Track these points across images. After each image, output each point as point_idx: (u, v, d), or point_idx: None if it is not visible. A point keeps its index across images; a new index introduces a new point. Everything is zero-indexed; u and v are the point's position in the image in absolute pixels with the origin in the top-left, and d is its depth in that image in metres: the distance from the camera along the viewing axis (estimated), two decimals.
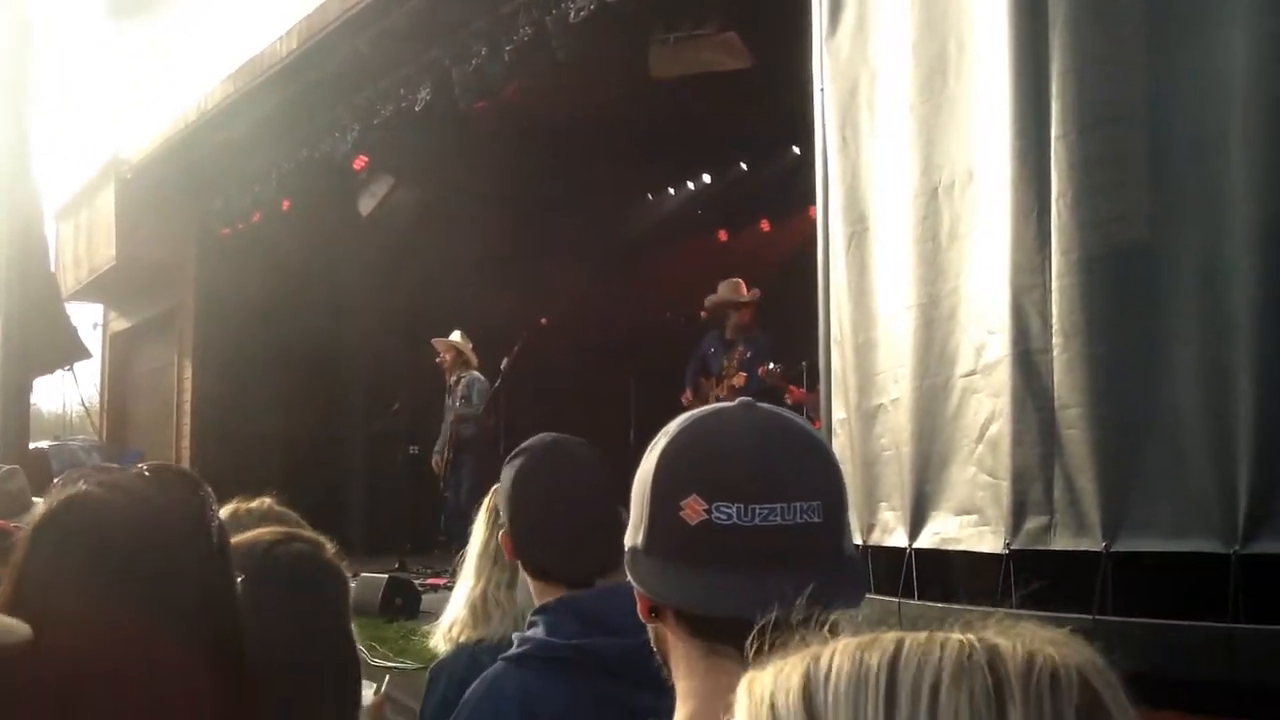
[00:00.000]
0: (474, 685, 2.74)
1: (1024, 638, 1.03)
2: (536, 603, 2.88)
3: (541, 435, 3.06)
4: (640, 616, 1.77)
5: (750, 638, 1.20)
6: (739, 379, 12.11)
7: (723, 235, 17.41)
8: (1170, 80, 5.42)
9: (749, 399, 1.80)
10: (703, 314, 12.53)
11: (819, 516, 1.68)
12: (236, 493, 3.96)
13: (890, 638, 1.04)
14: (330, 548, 2.70)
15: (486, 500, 3.77)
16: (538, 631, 2.72)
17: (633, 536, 1.78)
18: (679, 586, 1.70)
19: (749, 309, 12.30)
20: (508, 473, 2.98)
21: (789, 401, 11.88)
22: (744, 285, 12.41)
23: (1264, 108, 5.03)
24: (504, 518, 2.99)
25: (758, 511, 1.66)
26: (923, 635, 1.03)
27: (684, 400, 12.07)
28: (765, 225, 16.81)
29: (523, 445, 3.02)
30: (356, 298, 15.72)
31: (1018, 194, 5.87)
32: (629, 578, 1.77)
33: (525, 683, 2.65)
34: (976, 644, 1.01)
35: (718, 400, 11.37)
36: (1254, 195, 5.02)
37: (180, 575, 1.97)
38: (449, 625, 3.71)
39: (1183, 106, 5.37)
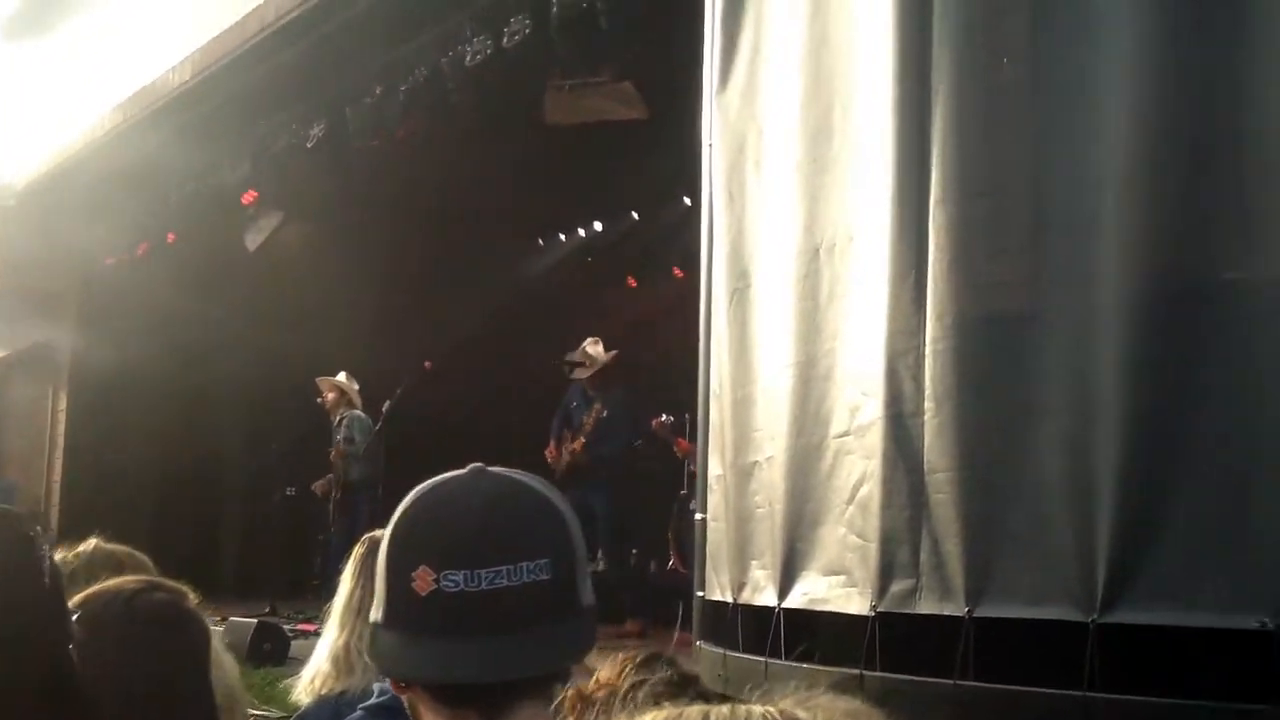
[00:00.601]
0: None
1: (821, 709, 1.03)
2: None
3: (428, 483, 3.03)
4: (392, 688, 1.82)
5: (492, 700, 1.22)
6: (578, 444, 12.14)
7: (631, 281, 17.46)
8: (1050, 153, 5.52)
9: (479, 465, 1.85)
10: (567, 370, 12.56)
11: (547, 574, 1.73)
12: (108, 528, 3.87)
13: (695, 711, 1.04)
14: (192, 597, 2.63)
15: (355, 550, 3.75)
16: None
17: (375, 612, 1.81)
18: (416, 659, 1.74)
19: (600, 371, 12.34)
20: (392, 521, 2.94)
21: (678, 454, 11.91)
22: (601, 345, 12.45)
23: (1136, 184, 5.12)
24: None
25: (484, 576, 1.71)
26: (725, 708, 1.03)
27: (548, 454, 12.07)
28: (632, 282, 16.99)
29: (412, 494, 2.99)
30: (240, 333, 15.52)
31: (896, 257, 5.93)
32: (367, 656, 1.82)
33: None
34: (777, 716, 1.01)
35: (572, 454, 11.39)
36: (1122, 270, 5.12)
37: (9, 612, 1.92)
38: (311, 677, 3.71)
39: (1061, 179, 5.47)
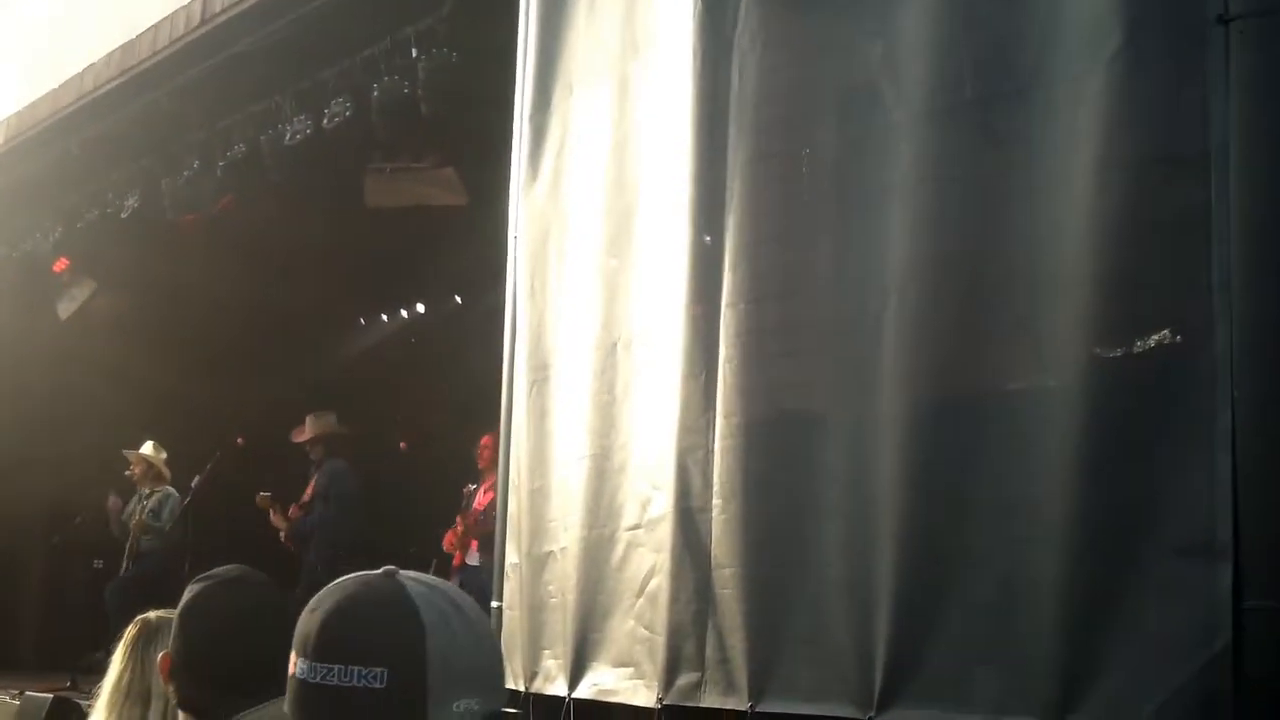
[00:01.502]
0: None
1: None
2: None
3: (231, 566, 3.04)
4: None
5: None
6: (294, 510, 12.42)
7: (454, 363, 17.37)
8: (840, 258, 5.66)
9: (392, 569, 1.91)
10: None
11: (381, 683, 1.76)
12: None
13: None
14: None
15: (128, 631, 3.69)
16: None
17: None
18: None
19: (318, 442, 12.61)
20: (186, 596, 2.93)
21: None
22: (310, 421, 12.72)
23: (915, 294, 5.28)
24: (173, 641, 2.94)
25: (319, 669, 1.79)
26: None
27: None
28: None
29: (209, 573, 3.00)
30: (45, 403, 15.17)
31: (688, 356, 6.05)
32: None
33: None
34: None
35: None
36: (898, 375, 5.26)
37: None
38: None
39: (849, 286, 5.60)
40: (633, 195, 6.70)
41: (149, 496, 13.20)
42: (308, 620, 1.86)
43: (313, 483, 12.49)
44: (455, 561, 11.67)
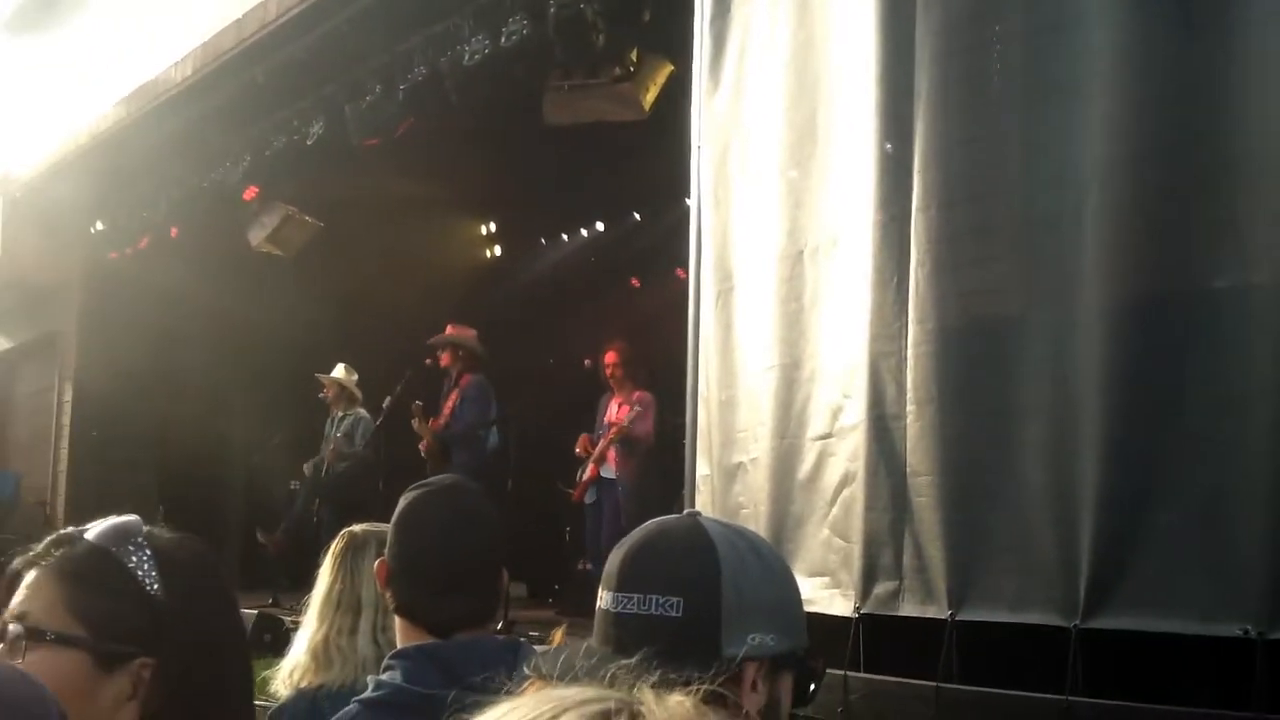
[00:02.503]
0: None
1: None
2: (399, 642, 2.91)
3: (444, 475, 3.13)
4: None
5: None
6: (433, 423, 12.59)
7: (635, 281, 17.45)
8: (1032, 158, 5.53)
9: (694, 511, 2.02)
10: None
11: (676, 611, 1.84)
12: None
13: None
14: None
15: (335, 544, 3.76)
16: (395, 676, 2.75)
17: None
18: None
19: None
20: (402, 503, 2.98)
21: (578, 452, 11.99)
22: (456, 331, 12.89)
23: (1117, 189, 5.14)
24: (389, 546, 2.98)
25: (619, 599, 1.88)
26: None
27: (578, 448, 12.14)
28: (635, 282, 17.00)
29: (424, 481, 3.05)
30: (242, 328, 15.54)
31: (878, 263, 5.97)
32: None
33: None
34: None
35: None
36: (1101, 274, 5.13)
37: None
38: (290, 670, 3.70)
39: (1043, 185, 5.48)
40: (815, 101, 6.61)
41: (342, 420, 13.46)
42: (613, 557, 1.95)
43: (452, 396, 12.60)
44: (590, 474, 11.84)
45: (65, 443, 17.31)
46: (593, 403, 12.63)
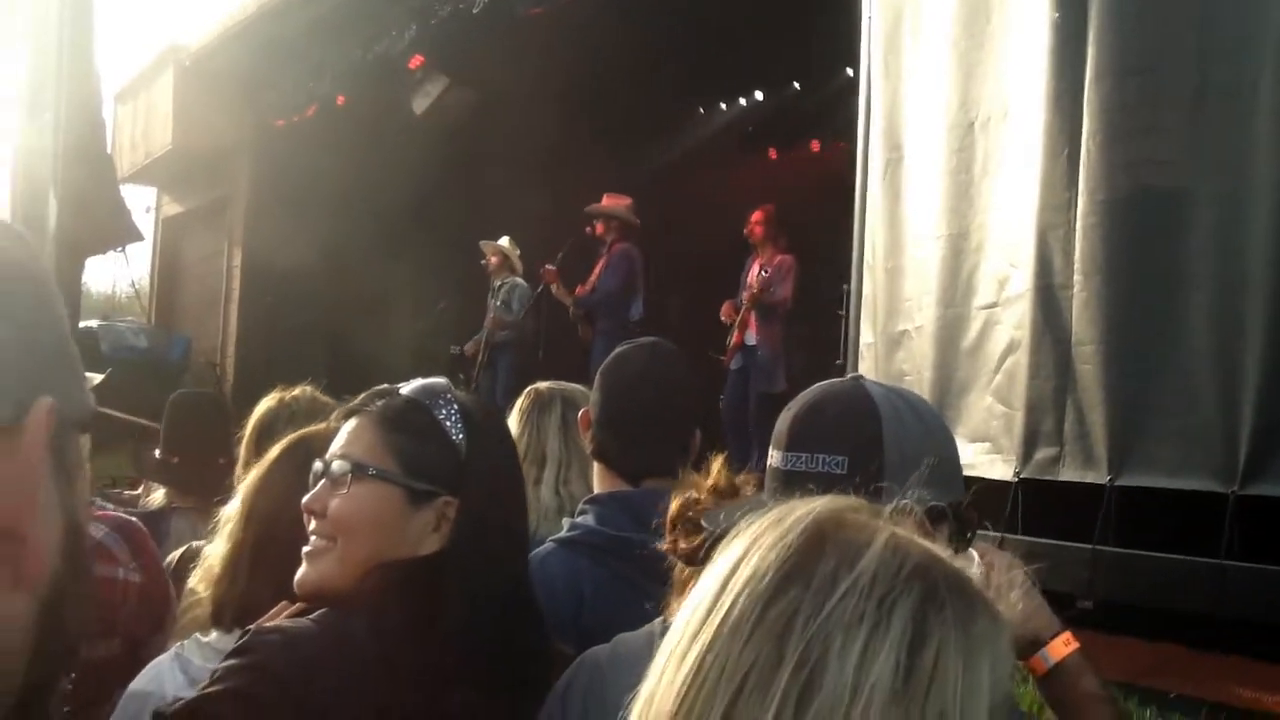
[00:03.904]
0: None
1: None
2: (595, 487, 3.13)
3: (647, 337, 3.33)
4: None
5: None
6: (580, 289, 12.83)
7: (772, 153, 17.45)
8: (1207, 29, 5.51)
9: (858, 375, 2.17)
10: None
11: (842, 469, 1.98)
12: (280, 381, 4.14)
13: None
14: None
15: (520, 401, 3.90)
16: (588, 520, 2.98)
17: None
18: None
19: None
20: (610, 357, 3.22)
21: (723, 319, 11.93)
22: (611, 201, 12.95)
23: None
24: (592, 396, 3.22)
25: (788, 458, 2.04)
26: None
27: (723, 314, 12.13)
28: (815, 146, 16.89)
29: (631, 340, 3.31)
30: (407, 195, 15.73)
31: (1050, 134, 6.00)
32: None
33: (573, 564, 2.90)
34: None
35: None
36: (1274, 147, 5.12)
37: None
38: None
39: (1216, 56, 5.47)
40: None
41: (500, 288, 13.63)
42: (782, 418, 2.10)
43: (602, 262, 12.71)
44: (735, 340, 11.74)
45: (235, 306, 17.77)
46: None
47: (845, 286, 11.82)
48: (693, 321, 13.25)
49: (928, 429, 2.09)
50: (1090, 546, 5.63)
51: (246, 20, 15.71)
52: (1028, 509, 6.02)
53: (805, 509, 1.21)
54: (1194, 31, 5.57)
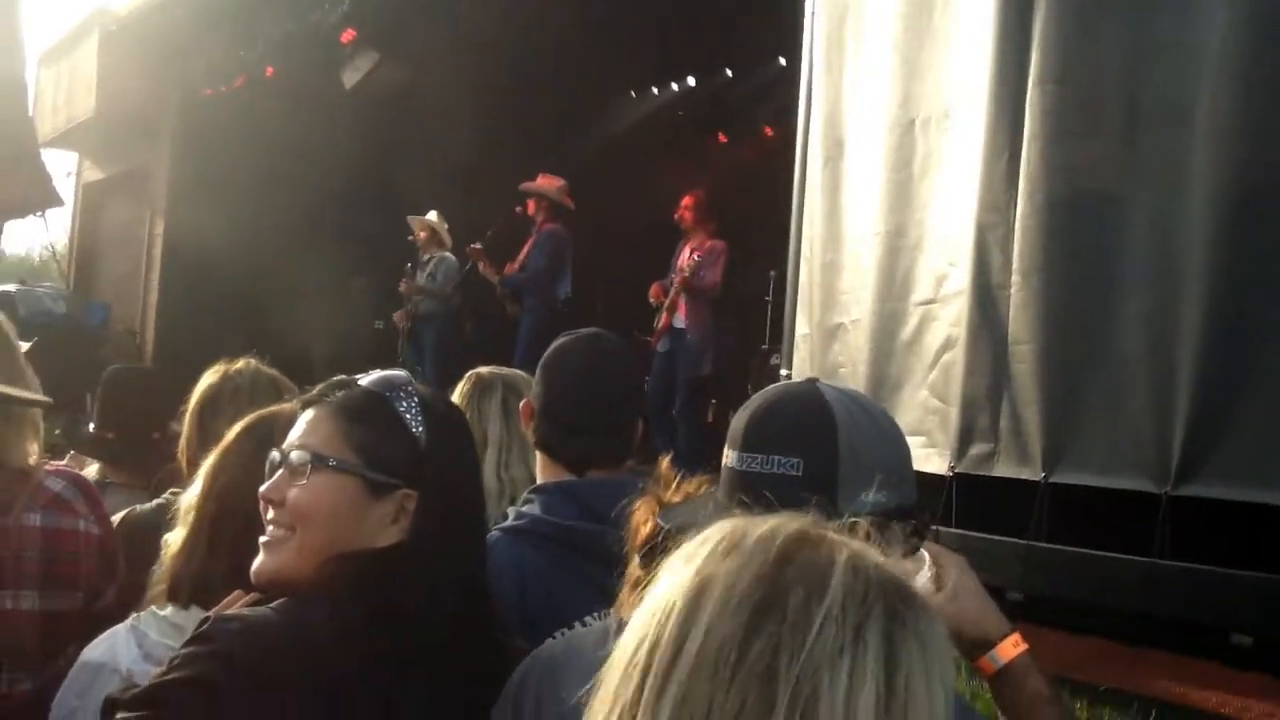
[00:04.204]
0: None
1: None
2: (539, 478, 3.12)
3: (589, 328, 3.29)
4: None
5: None
6: (509, 267, 12.84)
7: (722, 137, 17.59)
8: (1150, 44, 5.61)
9: (813, 379, 2.16)
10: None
11: (797, 471, 1.98)
12: (200, 353, 4.12)
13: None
14: None
15: (461, 386, 3.88)
16: (534, 509, 2.97)
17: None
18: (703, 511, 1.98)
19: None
20: (551, 348, 3.20)
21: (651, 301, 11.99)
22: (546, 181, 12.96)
23: (1232, 84, 5.22)
24: (534, 386, 3.19)
25: (745, 459, 2.02)
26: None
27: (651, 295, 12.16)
28: (722, 137, 17.08)
29: (571, 330, 3.26)
30: (333, 169, 15.63)
31: (991, 135, 6.09)
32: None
33: (520, 553, 2.88)
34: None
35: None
36: (1212, 164, 5.23)
37: None
38: None
39: (1159, 70, 5.57)
40: None
41: (428, 263, 13.59)
42: (738, 418, 2.09)
43: (530, 242, 12.74)
44: (664, 323, 11.66)
45: (155, 276, 17.57)
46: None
47: (772, 273, 11.92)
48: (620, 303, 13.27)
49: (882, 433, 2.10)
50: (1023, 542, 5.72)
51: None
52: (961, 503, 6.10)
53: (764, 530, 1.25)
54: (1133, 41, 5.66)
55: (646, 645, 1.20)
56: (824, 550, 1.22)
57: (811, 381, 2.12)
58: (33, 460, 3.17)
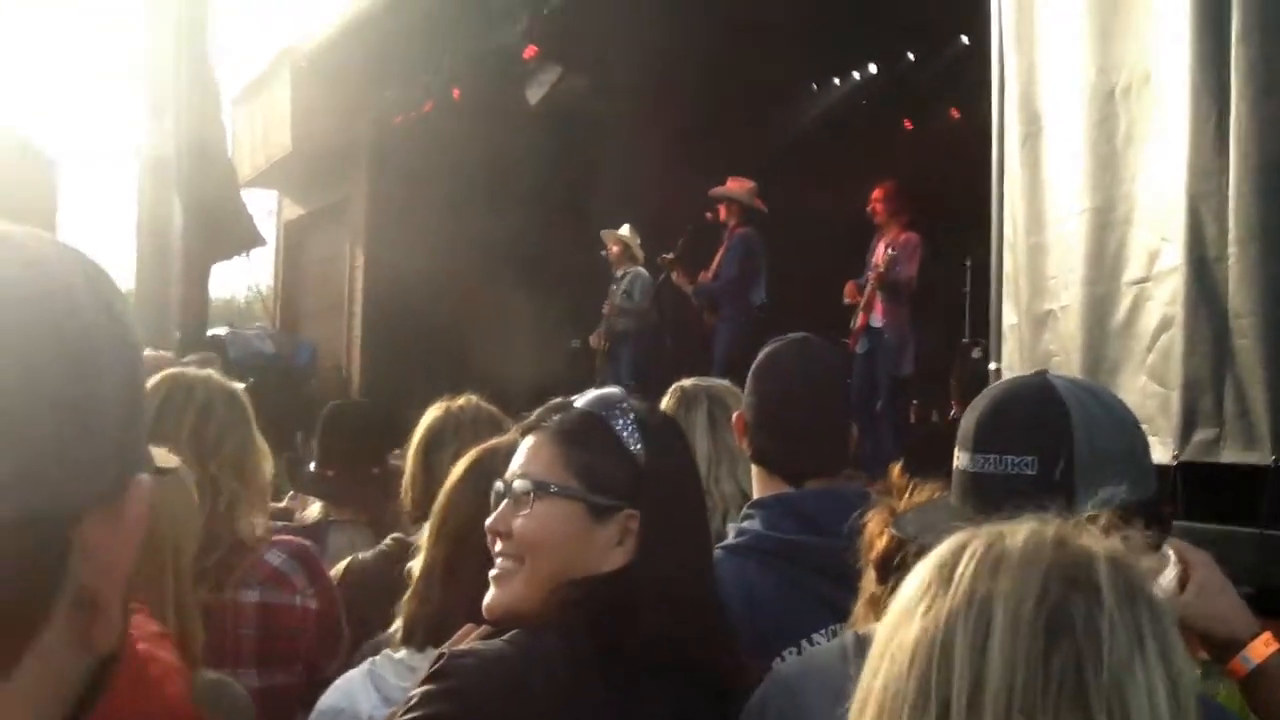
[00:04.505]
0: None
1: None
2: (755, 491, 3.08)
3: (798, 333, 3.25)
4: None
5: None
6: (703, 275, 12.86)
7: (908, 124, 17.35)
8: None
9: (1043, 371, 2.12)
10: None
11: (1031, 470, 1.94)
12: (405, 383, 4.08)
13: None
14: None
15: (665, 400, 3.83)
16: (754, 525, 2.92)
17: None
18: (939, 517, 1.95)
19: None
20: (760, 357, 3.16)
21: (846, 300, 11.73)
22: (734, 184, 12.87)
23: None
24: (745, 398, 3.16)
25: (976, 460, 2.00)
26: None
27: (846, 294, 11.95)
28: (909, 124, 16.93)
29: (779, 336, 3.23)
30: (526, 188, 15.75)
31: (1196, 97, 5.76)
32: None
33: (743, 571, 2.83)
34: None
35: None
36: None
37: None
38: None
39: None
40: None
41: (623, 279, 13.59)
42: (967, 418, 2.06)
43: (723, 248, 12.61)
44: (860, 323, 11.47)
45: (358, 309, 17.90)
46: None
47: (968, 263, 11.66)
48: (817, 304, 13.08)
49: (1118, 423, 2.04)
50: (1255, 531, 5.40)
51: (361, 17, 15.80)
52: (1189, 492, 5.79)
53: (1025, 541, 1.26)
54: None
55: (935, 675, 1.20)
56: (1084, 554, 1.24)
57: (1042, 374, 2.07)
58: (259, 533, 3.25)
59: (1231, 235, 5.59)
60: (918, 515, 2.05)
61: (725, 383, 3.90)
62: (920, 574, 1.30)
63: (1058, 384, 2.04)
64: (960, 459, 2.03)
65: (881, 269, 11.07)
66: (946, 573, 1.25)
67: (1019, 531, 1.27)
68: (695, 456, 3.70)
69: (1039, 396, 2.02)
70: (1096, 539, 1.27)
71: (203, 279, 16.15)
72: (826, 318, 12.02)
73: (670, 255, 12.79)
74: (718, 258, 12.72)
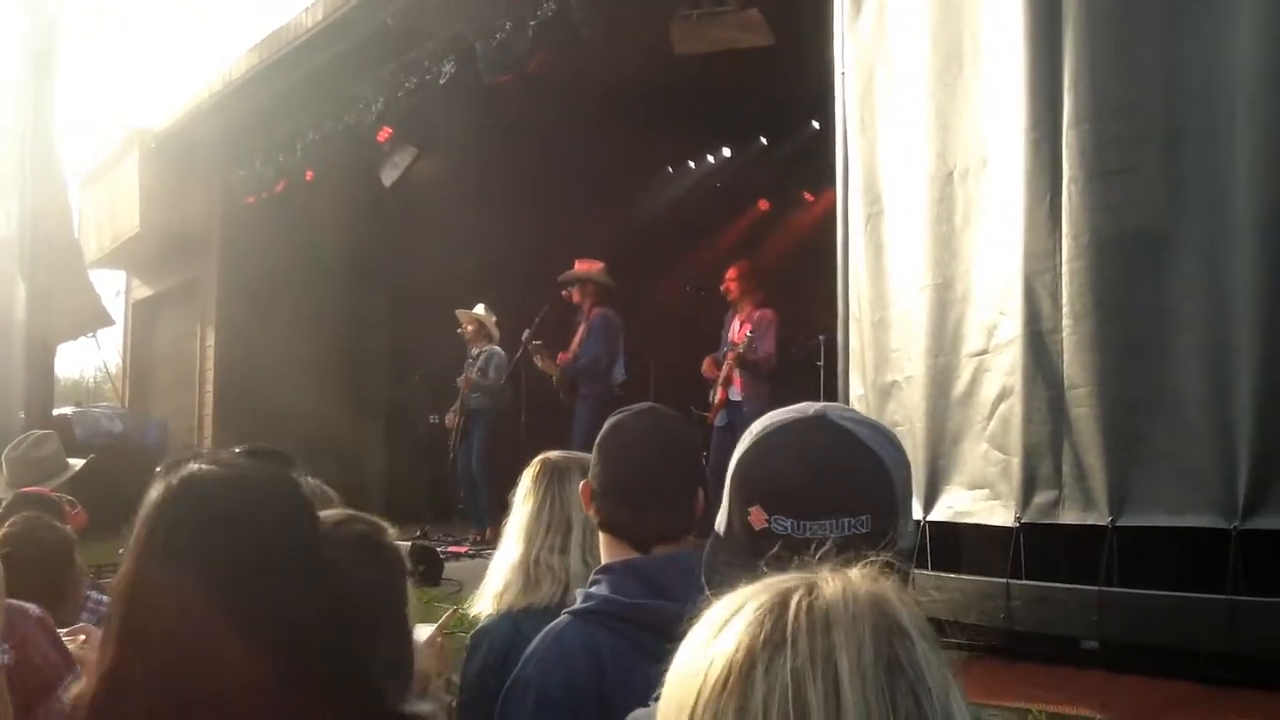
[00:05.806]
0: (539, 638, 2.93)
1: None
2: (603, 558, 3.06)
3: (644, 403, 3.24)
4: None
5: None
6: (561, 356, 12.96)
7: (763, 204, 17.80)
8: (1181, 70, 5.58)
9: (823, 410, 1.98)
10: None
11: (866, 528, 1.86)
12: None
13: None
14: (390, 530, 2.83)
15: (533, 468, 3.87)
16: (602, 589, 2.93)
17: (719, 524, 2.02)
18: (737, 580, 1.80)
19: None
20: (605, 428, 3.14)
21: (705, 375, 11.95)
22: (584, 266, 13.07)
23: (1268, 96, 5.19)
24: (592, 467, 3.14)
25: (809, 526, 1.86)
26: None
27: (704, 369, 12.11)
28: (764, 205, 17.34)
29: (625, 407, 3.20)
30: (380, 268, 15.80)
31: (1031, 180, 6.05)
32: (705, 559, 2.00)
33: (591, 636, 2.86)
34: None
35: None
36: (1256, 183, 5.20)
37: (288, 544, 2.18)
38: (499, 590, 3.78)
39: (1192, 95, 5.54)
40: (961, 23, 6.66)
41: (478, 357, 13.63)
42: (778, 481, 1.92)
43: (582, 328, 12.79)
44: (720, 397, 11.68)
45: (210, 386, 17.68)
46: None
47: (822, 338, 11.91)
48: (674, 380, 13.28)
49: (904, 455, 2.01)
50: (1095, 588, 5.64)
51: (213, 98, 15.76)
52: (1030, 553, 6.02)
53: (842, 594, 1.29)
54: (1166, 73, 5.65)
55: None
56: (885, 599, 1.29)
57: (822, 417, 1.96)
58: None
59: (1065, 309, 5.86)
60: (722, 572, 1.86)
61: (591, 455, 3.63)
62: (737, 635, 1.32)
63: (857, 431, 1.95)
64: (777, 522, 1.87)
65: (741, 349, 11.28)
66: (778, 635, 1.27)
67: (827, 584, 1.30)
68: (570, 526, 3.81)
69: (856, 451, 1.93)
70: (881, 583, 1.31)
71: (46, 359, 15.97)
72: (686, 393, 12.23)
73: (538, 341, 12.88)
74: (577, 338, 12.84)
